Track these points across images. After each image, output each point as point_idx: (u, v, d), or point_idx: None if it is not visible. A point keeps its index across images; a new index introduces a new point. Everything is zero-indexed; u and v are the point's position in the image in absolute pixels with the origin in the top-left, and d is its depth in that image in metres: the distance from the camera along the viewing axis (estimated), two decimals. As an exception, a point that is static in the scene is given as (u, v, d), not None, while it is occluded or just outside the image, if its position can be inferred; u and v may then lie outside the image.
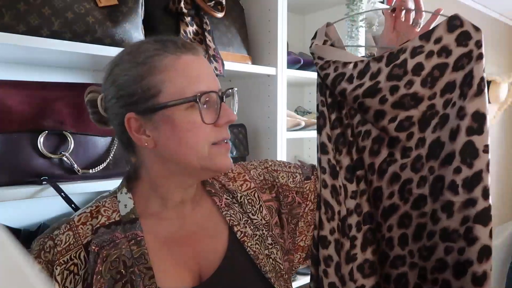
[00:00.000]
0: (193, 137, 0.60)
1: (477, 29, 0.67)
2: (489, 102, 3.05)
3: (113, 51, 0.89)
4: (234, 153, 1.18)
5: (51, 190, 0.79)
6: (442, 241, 0.67)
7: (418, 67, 0.70)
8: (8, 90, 0.82)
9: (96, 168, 0.87)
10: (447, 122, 0.68)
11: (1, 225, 0.73)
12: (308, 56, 1.38)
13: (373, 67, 0.73)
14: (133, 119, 0.60)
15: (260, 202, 0.73)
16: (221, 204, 0.70)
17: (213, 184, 0.72)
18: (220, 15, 1.10)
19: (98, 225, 0.61)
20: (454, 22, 0.70)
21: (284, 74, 1.24)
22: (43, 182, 0.79)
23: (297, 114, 1.52)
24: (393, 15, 0.80)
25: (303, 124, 1.36)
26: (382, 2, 1.67)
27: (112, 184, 0.88)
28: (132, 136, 0.61)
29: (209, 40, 1.09)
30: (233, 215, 0.69)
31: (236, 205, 0.71)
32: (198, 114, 0.59)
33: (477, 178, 0.64)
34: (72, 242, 0.59)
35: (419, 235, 0.71)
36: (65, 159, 0.83)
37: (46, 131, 0.82)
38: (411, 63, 0.70)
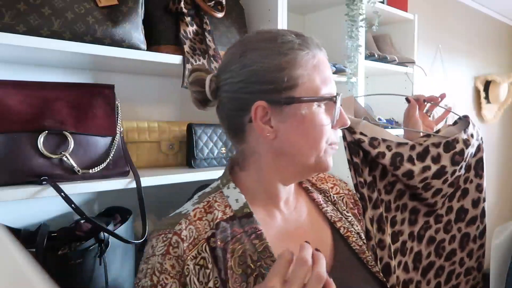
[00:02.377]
0: (318, 135, 0.61)
1: (474, 125, 0.96)
2: (489, 102, 3.06)
3: (113, 51, 0.90)
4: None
5: (51, 190, 0.79)
6: (465, 277, 0.97)
7: (468, 155, 0.92)
8: (8, 90, 0.82)
9: (96, 168, 0.87)
10: (468, 194, 0.97)
11: (1, 225, 0.73)
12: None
13: (433, 152, 0.88)
14: (261, 107, 0.59)
15: (347, 208, 0.76)
16: (319, 201, 0.72)
17: (306, 182, 0.75)
18: (220, 15, 1.10)
19: (218, 220, 0.60)
20: (469, 121, 0.95)
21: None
22: (43, 182, 0.79)
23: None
24: (416, 104, 0.94)
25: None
26: (382, 2, 1.67)
27: (112, 184, 0.88)
28: (256, 124, 0.60)
29: (209, 40, 1.09)
30: (332, 212, 0.72)
31: (329, 203, 0.74)
32: (324, 114, 0.61)
33: (484, 228, 0.98)
34: (196, 237, 0.59)
35: (449, 278, 0.97)
36: (65, 159, 0.83)
37: (46, 131, 0.82)
38: (466, 152, 0.91)
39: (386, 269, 0.87)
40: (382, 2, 1.68)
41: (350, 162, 0.88)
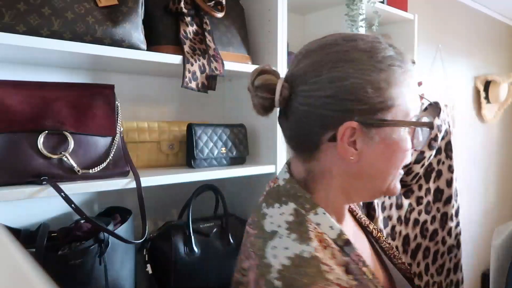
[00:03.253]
0: (401, 160, 0.57)
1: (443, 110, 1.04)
2: (489, 102, 3.06)
3: (113, 51, 0.89)
4: (234, 153, 1.18)
5: (51, 190, 0.79)
6: (448, 255, 1.03)
7: (439, 139, 1.01)
8: (8, 90, 0.82)
9: (96, 168, 0.87)
10: (442, 175, 1.03)
11: (1, 225, 0.73)
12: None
13: None
14: (351, 128, 0.53)
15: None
16: (353, 207, 0.73)
17: None
18: (220, 15, 1.10)
19: (344, 264, 0.53)
20: (440, 107, 1.03)
21: (284, 74, 1.24)
22: (43, 182, 0.79)
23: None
24: None
25: (303, 124, 1.36)
26: (382, 2, 1.67)
27: (112, 184, 0.88)
28: (340, 146, 0.54)
29: (209, 40, 1.09)
30: (362, 215, 0.73)
31: (358, 208, 0.75)
32: (409, 136, 0.56)
33: (459, 207, 1.05)
34: (346, 279, 0.52)
35: (435, 258, 1.03)
36: (65, 159, 0.83)
37: (46, 131, 0.82)
38: (439, 137, 0.98)
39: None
40: (382, 2, 1.68)
41: None
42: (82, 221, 0.95)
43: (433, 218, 1.03)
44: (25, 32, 0.79)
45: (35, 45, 0.80)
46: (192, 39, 1.07)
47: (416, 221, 1.01)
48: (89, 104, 0.90)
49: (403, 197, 1.01)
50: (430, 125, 0.56)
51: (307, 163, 0.59)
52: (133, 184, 0.91)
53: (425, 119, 0.57)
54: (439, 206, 1.03)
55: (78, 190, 0.84)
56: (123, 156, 0.94)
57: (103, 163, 0.89)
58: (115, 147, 0.92)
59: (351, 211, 0.72)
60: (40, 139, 0.81)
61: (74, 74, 1.09)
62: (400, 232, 1.00)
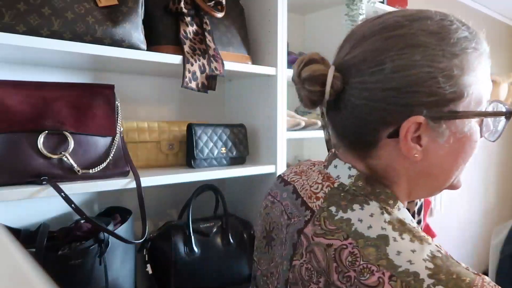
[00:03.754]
0: (470, 153, 0.51)
1: None
2: (489, 102, 3.06)
3: (113, 51, 0.90)
4: (234, 153, 1.18)
5: (51, 190, 0.79)
6: None
7: None
8: (8, 90, 0.82)
9: (96, 168, 0.87)
10: None
11: (1, 225, 0.73)
12: (308, 56, 1.38)
13: None
14: (416, 123, 0.47)
15: None
16: None
17: None
18: (220, 15, 1.10)
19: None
20: None
21: (284, 74, 1.24)
22: (43, 182, 0.79)
23: (297, 114, 1.52)
24: None
25: (303, 124, 1.36)
26: (382, 2, 1.67)
27: (112, 184, 0.88)
28: (403, 143, 0.48)
29: (209, 40, 1.09)
30: None
31: None
32: (479, 127, 0.50)
33: (422, 205, 1.02)
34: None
35: None
36: (65, 159, 0.83)
37: (46, 131, 0.82)
38: None
39: None
40: (382, 2, 1.68)
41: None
42: (82, 221, 0.95)
43: None
44: (25, 32, 0.79)
45: (35, 45, 0.80)
46: (192, 39, 1.07)
47: None
48: (89, 104, 0.90)
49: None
50: (504, 114, 0.50)
51: (365, 161, 0.53)
52: (133, 184, 0.91)
53: (500, 107, 0.50)
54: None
55: (78, 190, 0.84)
56: (123, 156, 0.94)
57: (103, 163, 0.89)
58: (115, 147, 0.92)
59: None
60: (40, 139, 0.81)
61: (74, 74, 1.09)
62: None
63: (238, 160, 1.21)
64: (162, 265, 1.06)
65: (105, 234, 0.88)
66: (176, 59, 1.01)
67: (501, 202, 3.40)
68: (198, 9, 1.09)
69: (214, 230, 1.14)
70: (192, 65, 1.03)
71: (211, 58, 1.07)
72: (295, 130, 1.35)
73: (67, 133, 0.84)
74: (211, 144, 1.13)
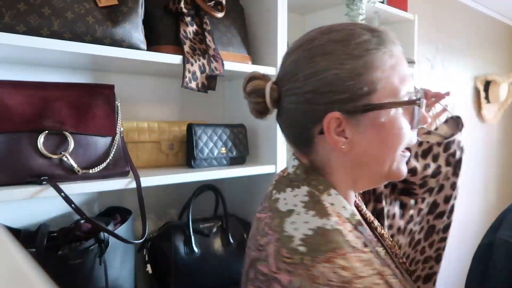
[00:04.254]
0: (398, 142, 0.56)
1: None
2: (489, 102, 3.06)
3: (113, 51, 0.90)
4: (234, 153, 1.18)
5: (51, 190, 0.79)
6: (422, 264, 1.01)
7: (459, 159, 0.95)
8: (8, 90, 0.82)
9: (96, 168, 0.87)
10: (443, 190, 0.98)
11: (1, 225, 0.73)
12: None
13: (435, 151, 0.92)
14: (335, 118, 0.54)
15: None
16: (358, 203, 0.73)
17: None
18: (220, 15, 1.10)
19: (361, 238, 0.54)
20: (462, 122, 0.98)
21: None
22: (43, 182, 0.79)
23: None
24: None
25: (303, 124, 1.36)
26: (382, 2, 1.67)
27: (112, 184, 0.88)
28: (329, 137, 0.55)
29: (209, 40, 1.09)
30: (367, 212, 0.73)
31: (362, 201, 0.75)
32: (402, 116, 0.56)
33: (449, 224, 1.00)
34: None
35: (409, 265, 1.01)
36: (65, 159, 0.83)
37: (46, 131, 0.82)
38: (457, 156, 0.93)
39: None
40: (382, 2, 1.68)
41: None
42: (82, 221, 0.95)
43: (422, 229, 1.00)
44: (25, 32, 0.79)
45: (35, 45, 0.80)
46: (192, 39, 1.07)
47: (410, 231, 0.98)
48: (89, 104, 0.90)
49: (407, 208, 0.98)
50: (414, 102, 0.56)
51: (308, 156, 0.61)
52: (133, 184, 0.91)
53: (412, 96, 0.56)
54: (429, 218, 1.00)
55: (78, 190, 0.84)
56: (123, 156, 0.94)
57: (103, 163, 0.89)
58: (115, 147, 0.92)
59: (357, 206, 0.71)
60: (40, 139, 0.81)
61: (74, 74, 1.09)
62: (397, 242, 0.98)
63: (238, 160, 1.21)
64: (162, 265, 1.06)
65: (105, 234, 0.88)
66: (176, 59, 1.01)
67: (501, 202, 3.40)
68: (198, 9, 1.09)
69: (214, 230, 1.14)
70: (192, 65, 1.03)
71: (211, 58, 1.07)
72: (295, 130, 1.35)
73: (67, 133, 0.84)
74: (211, 144, 1.13)
